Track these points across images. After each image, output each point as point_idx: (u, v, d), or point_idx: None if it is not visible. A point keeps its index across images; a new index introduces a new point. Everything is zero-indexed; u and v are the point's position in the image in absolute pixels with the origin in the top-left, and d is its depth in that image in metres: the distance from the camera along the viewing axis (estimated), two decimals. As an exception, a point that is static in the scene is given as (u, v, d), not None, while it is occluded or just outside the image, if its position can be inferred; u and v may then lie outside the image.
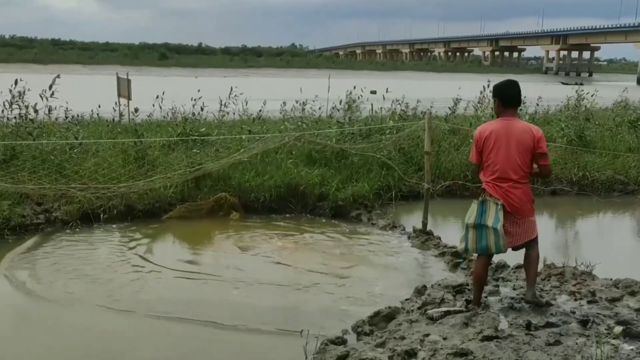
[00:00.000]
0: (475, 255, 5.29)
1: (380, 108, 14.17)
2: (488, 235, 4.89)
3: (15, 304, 6.05)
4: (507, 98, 5.06)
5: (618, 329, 4.41)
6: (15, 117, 10.27)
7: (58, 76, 10.26)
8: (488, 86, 14.10)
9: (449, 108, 14.37)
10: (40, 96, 10.24)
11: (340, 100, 12.73)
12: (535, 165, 5.05)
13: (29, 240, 7.84)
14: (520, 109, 14.63)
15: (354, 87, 12.66)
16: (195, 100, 12.17)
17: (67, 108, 12.08)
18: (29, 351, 5.01)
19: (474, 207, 5.04)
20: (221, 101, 13.07)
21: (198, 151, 9.99)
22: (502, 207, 4.87)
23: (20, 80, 9.94)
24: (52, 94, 10.20)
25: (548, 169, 5.13)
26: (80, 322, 5.56)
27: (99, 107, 13.67)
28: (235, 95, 12.86)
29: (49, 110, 10.70)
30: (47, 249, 7.61)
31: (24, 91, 10.05)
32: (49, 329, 5.43)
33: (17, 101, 10.13)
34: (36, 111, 10.31)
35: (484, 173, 5.06)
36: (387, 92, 13.25)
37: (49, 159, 9.21)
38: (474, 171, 5.36)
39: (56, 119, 11.93)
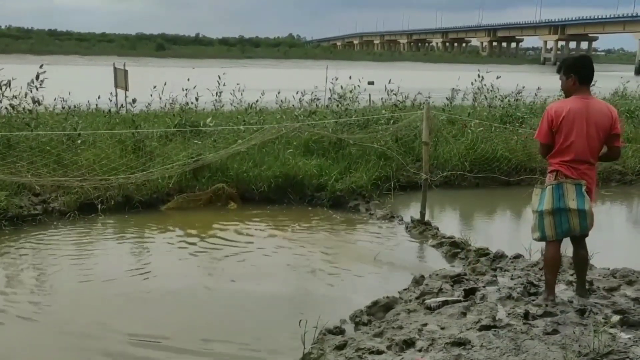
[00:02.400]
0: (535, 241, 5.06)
1: (381, 99, 14.16)
2: (570, 218, 4.67)
3: None
4: (585, 74, 4.74)
5: (615, 318, 4.42)
6: (7, 108, 10.22)
7: (41, 66, 10.15)
8: (480, 76, 14.16)
9: (447, 98, 14.36)
10: (30, 87, 10.16)
11: (333, 88, 12.69)
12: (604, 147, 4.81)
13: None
14: (517, 99, 14.67)
15: (350, 77, 12.61)
16: (186, 90, 12.09)
17: (63, 99, 12.03)
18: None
19: (542, 192, 4.78)
20: (217, 92, 13.05)
21: (199, 142, 9.96)
22: (585, 187, 4.64)
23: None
24: (41, 83, 10.12)
25: (619, 151, 4.94)
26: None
27: (99, 98, 13.61)
28: (238, 89, 12.84)
29: (38, 103, 10.45)
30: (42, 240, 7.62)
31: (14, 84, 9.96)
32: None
33: (11, 95, 10.09)
34: (36, 102, 10.26)
35: (557, 154, 4.76)
36: (389, 83, 13.26)
37: (46, 150, 9.18)
38: (542, 152, 4.95)
39: (53, 109, 11.88)
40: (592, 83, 5.06)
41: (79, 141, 9.76)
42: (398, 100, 13.38)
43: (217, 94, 13.08)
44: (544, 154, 4.95)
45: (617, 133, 4.78)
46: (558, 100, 4.98)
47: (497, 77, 13.99)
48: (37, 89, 10.18)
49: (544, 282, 5.03)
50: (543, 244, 5.07)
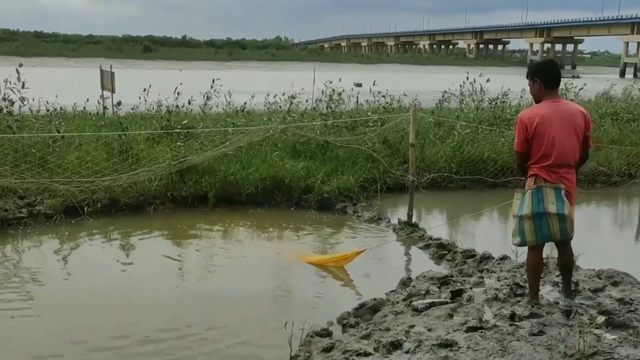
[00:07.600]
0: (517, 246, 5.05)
1: (366, 100, 14.19)
2: (550, 223, 4.66)
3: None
4: (551, 78, 4.80)
5: (601, 318, 4.44)
6: None
7: (20, 65, 10.00)
8: (473, 79, 14.22)
9: (436, 104, 14.42)
10: (11, 89, 10.05)
11: (322, 91, 12.70)
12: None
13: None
14: (503, 102, 14.76)
15: (340, 80, 12.61)
16: (177, 93, 12.05)
17: (47, 101, 11.94)
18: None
19: (522, 197, 4.77)
20: (205, 94, 13.00)
21: (182, 144, 9.92)
22: (565, 191, 4.65)
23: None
24: (23, 85, 9.99)
25: (588, 153, 4.93)
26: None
27: (87, 100, 13.52)
28: (216, 90, 12.78)
29: (21, 101, 10.37)
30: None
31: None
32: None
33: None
34: (12, 103, 10.13)
35: (535, 160, 4.76)
36: (374, 85, 13.27)
37: (31, 153, 9.09)
38: (519, 162, 4.98)
39: (38, 111, 11.77)
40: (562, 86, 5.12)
41: (57, 143, 9.62)
42: (387, 103, 13.42)
43: (208, 97, 13.02)
44: (521, 164, 4.96)
45: (589, 135, 4.82)
46: (529, 108, 4.99)
47: (480, 75, 14.08)
48: (19, 91, 10.06)
49: (528, 286, 5.05)
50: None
